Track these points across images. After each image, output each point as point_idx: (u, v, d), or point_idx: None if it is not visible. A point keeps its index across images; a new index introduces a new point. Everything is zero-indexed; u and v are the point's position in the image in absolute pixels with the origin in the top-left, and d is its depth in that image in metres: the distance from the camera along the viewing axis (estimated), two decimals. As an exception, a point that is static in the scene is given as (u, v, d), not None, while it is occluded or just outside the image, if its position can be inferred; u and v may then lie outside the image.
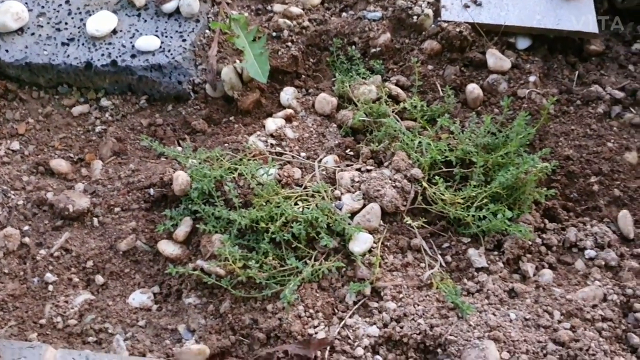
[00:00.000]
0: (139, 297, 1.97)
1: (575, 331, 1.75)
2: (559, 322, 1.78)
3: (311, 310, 1.84)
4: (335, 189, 2.05)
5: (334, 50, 2.47)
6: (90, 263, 2.04)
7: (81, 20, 2.50)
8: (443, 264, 1.96)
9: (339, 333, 1.79)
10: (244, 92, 2.36)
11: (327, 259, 1.93)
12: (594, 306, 1.82)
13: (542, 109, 2.23)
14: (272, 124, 2.25)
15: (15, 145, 2.36)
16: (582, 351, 1.70)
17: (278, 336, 1.80)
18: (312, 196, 2.02)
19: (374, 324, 1.81)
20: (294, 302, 1.83)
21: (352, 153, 2.20)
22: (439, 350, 1.73)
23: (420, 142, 2.11)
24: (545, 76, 2.42)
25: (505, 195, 1.99)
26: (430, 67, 2.39)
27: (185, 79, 2.39)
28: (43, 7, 2.55)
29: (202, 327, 1.87)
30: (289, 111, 2.30)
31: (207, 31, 2.50)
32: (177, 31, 2.45)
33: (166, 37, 2.44)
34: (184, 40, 2.43)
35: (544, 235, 2.02)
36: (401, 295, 1.86)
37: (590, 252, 1.98)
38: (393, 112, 2.26)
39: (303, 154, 2.18)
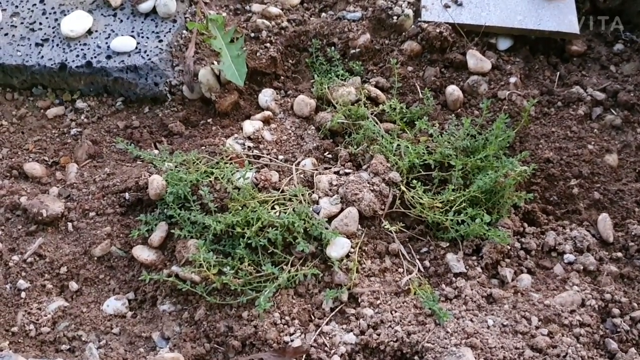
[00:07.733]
0: (114, 304, 1.94)
1: (553, 337, 1.74)
2: (537, 328, 1.76)
3: (287, 317, 1.81)
4: (313, 192, 2.02)
5: (313, 51, 2.43)
6: (64, 269, 2.00)
7: (56, 20, 2.45)
8: (421, 269, 1.94)
9: (315, 340, 1.77)
10: (221, 93, 2.33)
11: (304, 264, 1.90)
12: (572, 312, 1.81)
13: (523, 110, 2.21)
14: (250, 126, 2.21)
15: (-12, 148, 2.32)
16: (559, 357, 1.68)
17: (253, 344, 1.77)
18: (290, 200, 1.99)
19: (351, 331, 1.79)
20: (269, 309, 1.80)
21: (330, 156, 2.18)
22: (416, 357, 1.71)
23: (398, 145, 2.09)
24: (527, 77, 2.40)
25: (484, 199, 1.97)
26: (410, 68, 2.36)
27: (161, 81, 2.35)
28: (17, 6, 2.50)
29: (177, 335, 1.85)
30: (267, 113, 2.27)
31: (184, 32, 2.46)
32: (153, 31, 2.41)
33: (142, 37, 2.40)
34: (160, 41, 2.39)
35: (523, 240, 2.00)
36: (378, 302, 1.83)
37: (569, 257, 1.96)
38: (372, 114, 2.23)
39: (281, 157, 2.15)
